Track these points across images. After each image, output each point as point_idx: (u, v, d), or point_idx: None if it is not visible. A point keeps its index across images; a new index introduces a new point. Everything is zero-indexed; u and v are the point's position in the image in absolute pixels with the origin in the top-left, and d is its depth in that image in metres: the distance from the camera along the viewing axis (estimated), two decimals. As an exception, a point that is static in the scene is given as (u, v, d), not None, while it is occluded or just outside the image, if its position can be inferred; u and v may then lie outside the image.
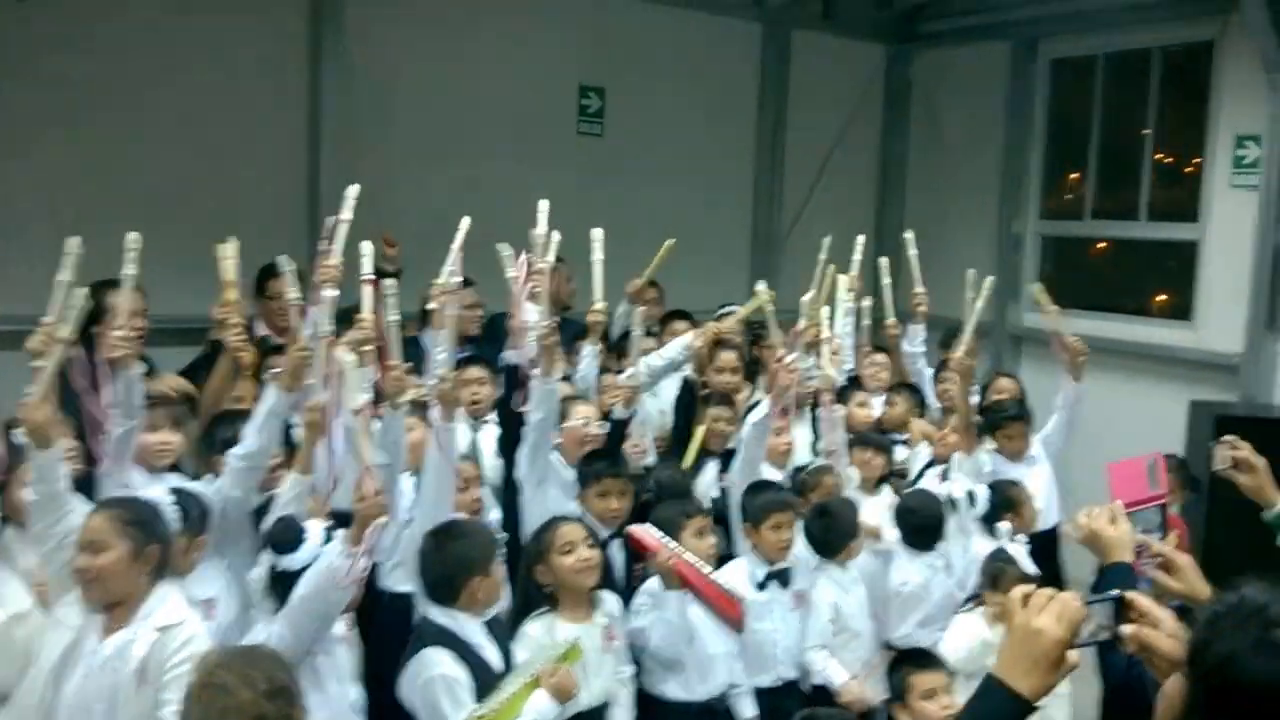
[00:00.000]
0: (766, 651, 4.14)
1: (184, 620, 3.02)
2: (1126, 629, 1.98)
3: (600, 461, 4.25)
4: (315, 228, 6.18)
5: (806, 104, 8.57)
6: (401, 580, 3.94)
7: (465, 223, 4.49)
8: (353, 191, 4.20)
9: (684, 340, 5.19)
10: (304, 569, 3.12)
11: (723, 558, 4.26)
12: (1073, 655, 1.83)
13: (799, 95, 8.54)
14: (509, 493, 4.39)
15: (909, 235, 5.86)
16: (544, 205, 4.53)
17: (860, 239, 5.84)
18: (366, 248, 4.04)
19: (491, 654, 3.28)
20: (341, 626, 3.35)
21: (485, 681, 3.18)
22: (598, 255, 4.82)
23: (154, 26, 5.99)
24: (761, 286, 5.12)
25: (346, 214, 4.14)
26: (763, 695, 4.08)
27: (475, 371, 4.89)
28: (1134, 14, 7.31)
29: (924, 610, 4.46)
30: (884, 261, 5.99)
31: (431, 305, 4.53)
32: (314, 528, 3.23)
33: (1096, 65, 7.91)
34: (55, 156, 5.75)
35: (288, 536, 3.19)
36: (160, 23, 6.00)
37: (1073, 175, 8.27)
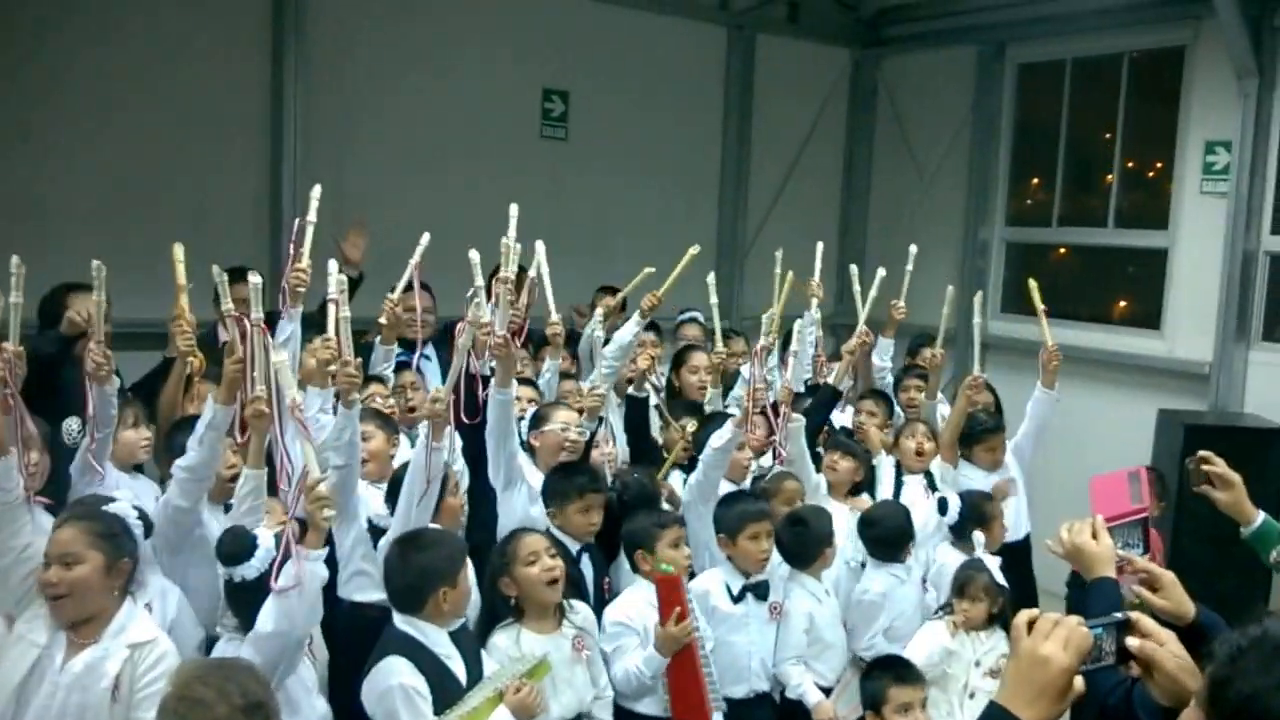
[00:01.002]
0: (741, 664, 4.11)
1: (155, 638, 3.02)
2: (1133, 643, 1.96)
3: (580, 475, 4.18)
4: (277, 231, 6.36)
5: (772, 108, 8.61)
6: (361, 589, 3.90)
7: (425, 239, 4.53)
8: (315, 192, 4.23)
9: (629, 327, 5.07)
10: (260, 577, 3.11)
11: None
12: (1079, 682, 1.80)
13: (764, 99, 8.58)
14: (475, 500, 4.35)
15: (912, 249, 5.76)
16: (514, 210, 4.52)
17: (820, 246, 5.85)
18: (332, 266, 4.02)
19: (457, 665, 3.25)
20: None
21: (448, 692, 3.16)
22: (544, 269, 4.90)
23: (116, 28, 5.97)
24: (695, 249, 5.11)
25: (311, 215, 4.17)
26: (735, 706, 4.04)
27: (410, 377, 4.92)
28: (1103, 19, 7.37)
29: (887, 620, 4.43)
30: (854, 269, 5.98)
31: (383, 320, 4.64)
32: (265, 535, 3.21)
33: (1065, 70, 7.96)
34: (11, 161, 5.71)
35: (238, 547, 3.16)
36: (123, 24, 5.98)
37: (1039, 181, 8.33)
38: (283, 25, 6.49)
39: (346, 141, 6.64)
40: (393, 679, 3.11)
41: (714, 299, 5.41)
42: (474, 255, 4.39)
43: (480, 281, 4.31)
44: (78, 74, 5.86)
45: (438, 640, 3.24)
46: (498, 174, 7.10)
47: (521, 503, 4.21)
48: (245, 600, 3.15)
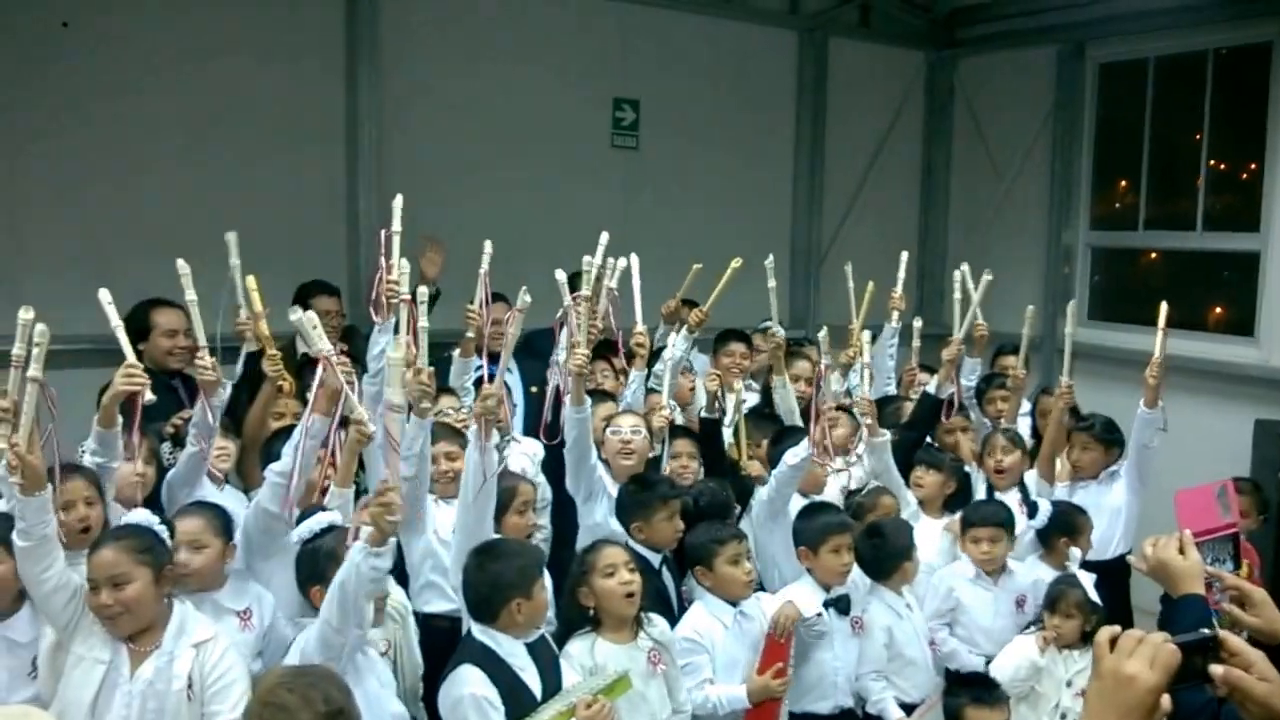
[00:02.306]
0: (826, 679, 4.12)
1: (215, 634, 3.20)
2: (1217, 670, 1.90)
3: (658, 484, 4.22)
4: (354, 248, 6.49)
5: (846, 113, 8.58)
6: (430, 601, 4.03)
7: (488, 247, 4.63)
8: (398, 203, 4.34)
9: (680, 340, 5.10)
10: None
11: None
12: (1166, 701, 1.76)
13: (838, 104, 8.55)
14: (557, 512, 4.46)
15: (986, 277, 5.62)
16: (604, 237, 4.69)
17: (904, 256, 5.78)
18: (406, 266, 4.13)
19: (531, 676, 3.28)
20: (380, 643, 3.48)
21: (521, 704, 3.21)
22: (635, 281, 4.94)
23: (195, 50, 6.12)
24: (738, 262, 5.06)
25: (396, 225, 4.28)
26: (818, 723, 4.04)
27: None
28: (1186, 15, 7.26)
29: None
30: (963, 271, 5.68)
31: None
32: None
33: (1147, 68, 7.84)
34: (92, 190, 5.89)
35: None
36: (201, 45, 6.13)
37: (1125, 183, 8.19)
38: (356, 41, 6.59)
39: (418, 155, 6.70)
40: (465, 689, 3.17)
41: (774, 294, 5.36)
42: (560, 275, 4.50)
43: (568, 301, 4.42)
44: (162, 98, 6.00)
45: (513, 651, 3.29)
46: (569, 185, 7.22)
47: (602, 514, 4.27)
48: None
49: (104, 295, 3.61)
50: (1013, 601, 4.55)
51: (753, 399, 5.65)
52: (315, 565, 3.38)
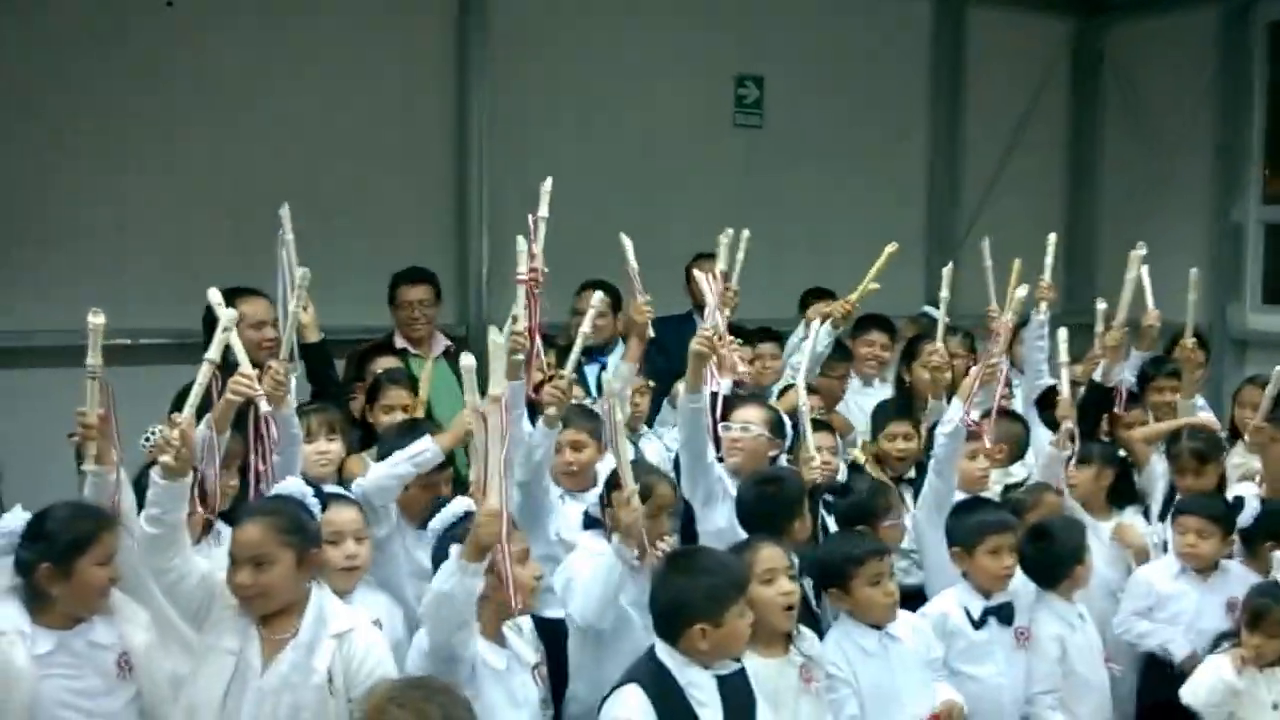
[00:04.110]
0: (988, 699, 3.71)
1: (356, 625, 3.02)
2: None
3: (788, 480, 3.90)
4: (463, 235, 6.52)
5: (985, 86, 8.22)
6: (546, 605, 3.75)
7: (627, 243, 4.45)
8: (547, 186, 4.20)
9: (824, 331, 4.90)
10: None
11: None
12: None
13: (975, 77, 8.21)
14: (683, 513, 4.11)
15: (1138, 251, 5.15)
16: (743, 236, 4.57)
17: (1052, 238, 5.36)
18: (521, 244, 3.97)
19: (713, 714, 2.95)
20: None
21: None
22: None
23: (305, 43, 6.12)
24: (893, 246, 4.90)
25: (544, 210, 4.15)
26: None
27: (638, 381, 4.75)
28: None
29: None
30: (1139, 251, 5.17)
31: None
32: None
33: (1323, 27, 7.28)
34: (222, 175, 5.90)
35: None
36: (312, 38, 6.13)
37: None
38: (467, 22, 6.49)
39: (532, 139, 6.57)
40: (617, 711, 2.90)
41: (944, 292, 4.98)
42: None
43: (712, 301, 4.24)
44: (266, 91, 6.00)
45: (696, 680, 2.96)
46: (690, 166, 7.07)
47: (725, 518, 3.92)
48: None
49: (214, 295, 3.53)
50: (1223, 604, 4.10)
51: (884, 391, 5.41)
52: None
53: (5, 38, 5.35)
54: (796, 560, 3.63)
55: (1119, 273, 5.22)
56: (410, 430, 3.85)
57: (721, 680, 2.99)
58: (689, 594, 2.98)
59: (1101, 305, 5.15)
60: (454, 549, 2.95)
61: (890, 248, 4.86)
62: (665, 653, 2.98)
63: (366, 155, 6.22)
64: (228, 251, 5.44)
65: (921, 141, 8.19)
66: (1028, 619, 3.85)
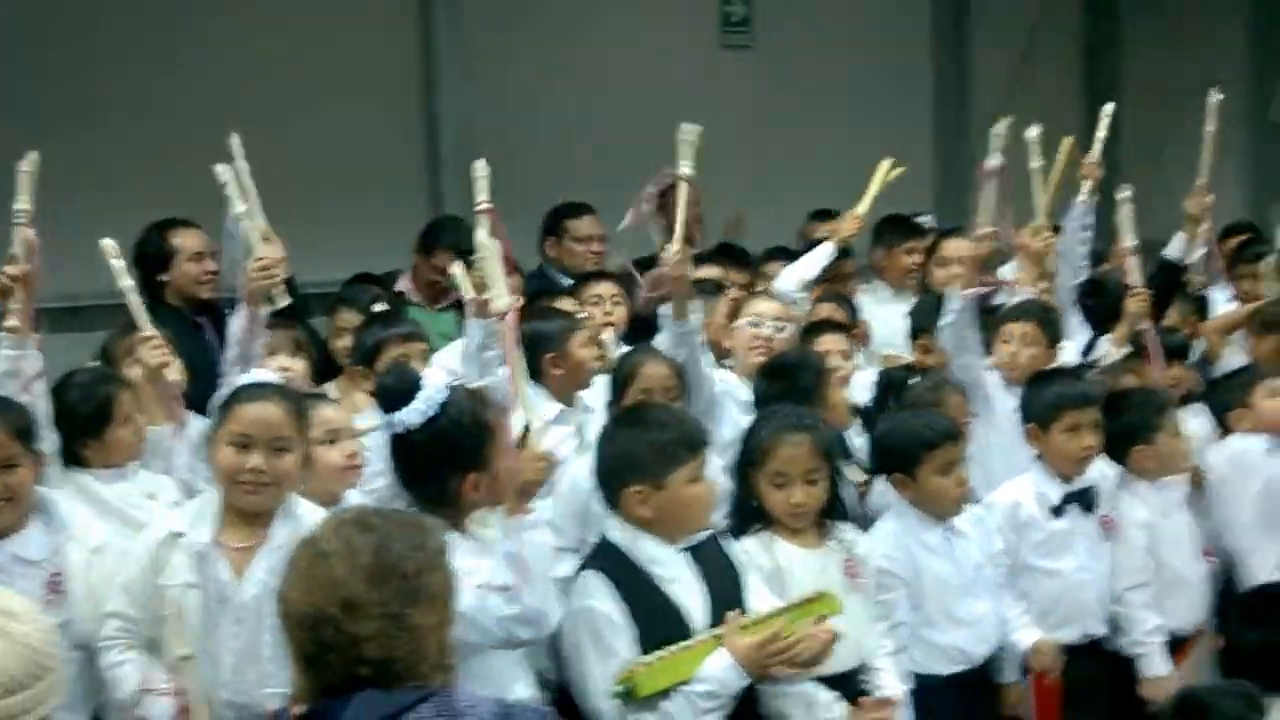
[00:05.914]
0: (1069, 597, 3.46)
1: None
2: None
3: (809, 361, 3.69)
4: (435, 171, 6.33)
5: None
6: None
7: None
8: (481, 170, 3.71)
9: (825, 251, 4.67)
10: (424, 426, 2.66)
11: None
12: None
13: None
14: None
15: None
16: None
17: (1108, 108, 4.93)
18: (481, 169, 3.63)
19: (685, 590, 2.68)
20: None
21: (667, 626, 2.63)
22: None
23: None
24: (888, 163, 4.72)
25: (483, 196, 3.68)
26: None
27: (605, 287, 4.36)
28: None
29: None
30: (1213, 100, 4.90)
31: None
32: (434, 376, 2.79)
33: None
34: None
35: (401, 386, 2.72)
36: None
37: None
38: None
39: (504, 62, 6.41)
40: (585, 600, 2.66)
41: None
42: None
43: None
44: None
45: (655, 556, 2.69)
46: (672, 90, 6.67)
47: (731, 428, 3.58)
48: (408, 461, 2.71)
49: (109, 245, 3.26)
50: None
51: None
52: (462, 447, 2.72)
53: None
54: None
55: (1146, 192, 4.85)
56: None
57: (694, 552, 2.74)
58: (629, 451, 2.75)
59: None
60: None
61: (885, 163, 4.69)
62: (615, 529, 2.74)
63: (332, 90, 6.03)
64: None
65: (924, 43, 7.94)
66: (1111, 506, 3.58)
